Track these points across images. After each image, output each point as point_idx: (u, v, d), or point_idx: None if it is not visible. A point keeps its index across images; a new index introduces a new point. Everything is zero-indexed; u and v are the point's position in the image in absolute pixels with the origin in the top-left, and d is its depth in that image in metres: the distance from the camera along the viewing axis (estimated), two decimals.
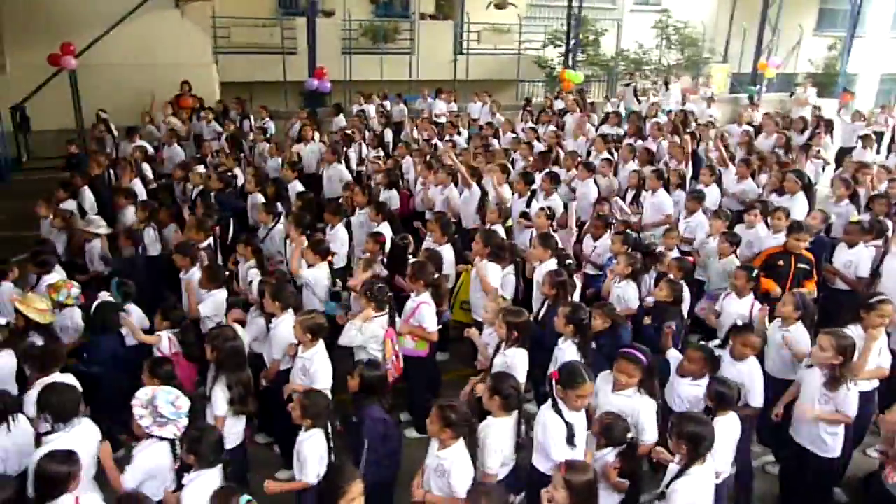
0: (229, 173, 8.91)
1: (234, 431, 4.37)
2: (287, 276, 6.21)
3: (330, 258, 6.13)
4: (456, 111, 14.84)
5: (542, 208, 7.08)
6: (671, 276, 5.81)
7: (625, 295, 5.85)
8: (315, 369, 4.66)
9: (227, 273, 6.13)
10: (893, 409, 4.22)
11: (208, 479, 3.47)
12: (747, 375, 4.56)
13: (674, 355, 4.87)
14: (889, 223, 6.97)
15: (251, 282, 5.84)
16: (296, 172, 8.82)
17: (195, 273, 5.86)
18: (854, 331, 4.74)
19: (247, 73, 16.75)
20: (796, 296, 5.15)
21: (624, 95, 16.09)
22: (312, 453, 3.87)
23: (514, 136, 11.66)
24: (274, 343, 5.07)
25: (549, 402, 3.96)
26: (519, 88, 19.81)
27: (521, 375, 4.51)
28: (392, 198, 8.40)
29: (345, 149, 10.16)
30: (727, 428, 4.01)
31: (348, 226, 7.39)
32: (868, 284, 6.28)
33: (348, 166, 9.79)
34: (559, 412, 3.87)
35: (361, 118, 12.57)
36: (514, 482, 4.10)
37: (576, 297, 5.66)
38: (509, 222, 7.70)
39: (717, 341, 5.06)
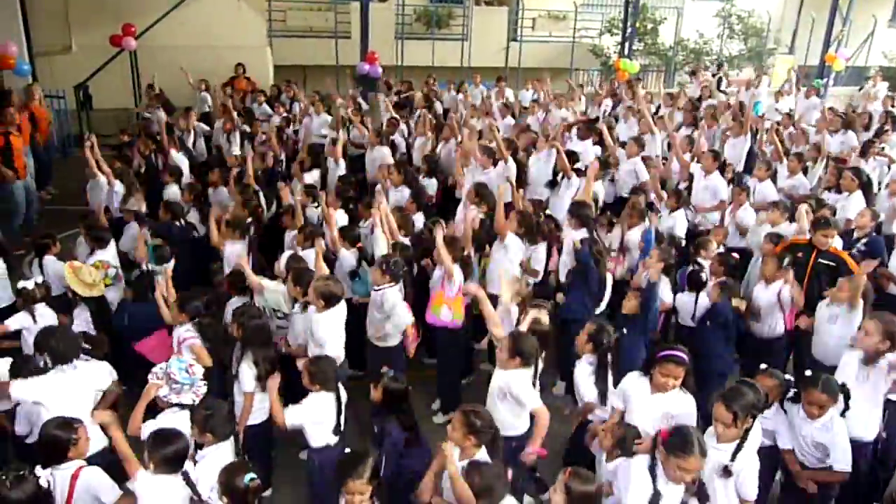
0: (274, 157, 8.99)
1: (261, 407, 4.43)
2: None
3: (360, 245, 6.13)
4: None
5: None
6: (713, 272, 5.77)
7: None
8: (321, 334, 4.72)
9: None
10: None
11: (222, 453, 3.53)
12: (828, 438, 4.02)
13: None
14: None
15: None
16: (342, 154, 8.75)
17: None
18: None
19: (300, 57, 16.92)
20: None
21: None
22: (311, 406, 4.01)
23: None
24: (291, 329, 5.23)
25: (648, 458, 3.47)
26: (573, 77, 19.46)
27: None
28: (431, 185, 8.36)
29: (392, 132, 10.06)
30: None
31: None
32: None
33: (395, 150, 9.76)
34: (654, 475, 3.37)
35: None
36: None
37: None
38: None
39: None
